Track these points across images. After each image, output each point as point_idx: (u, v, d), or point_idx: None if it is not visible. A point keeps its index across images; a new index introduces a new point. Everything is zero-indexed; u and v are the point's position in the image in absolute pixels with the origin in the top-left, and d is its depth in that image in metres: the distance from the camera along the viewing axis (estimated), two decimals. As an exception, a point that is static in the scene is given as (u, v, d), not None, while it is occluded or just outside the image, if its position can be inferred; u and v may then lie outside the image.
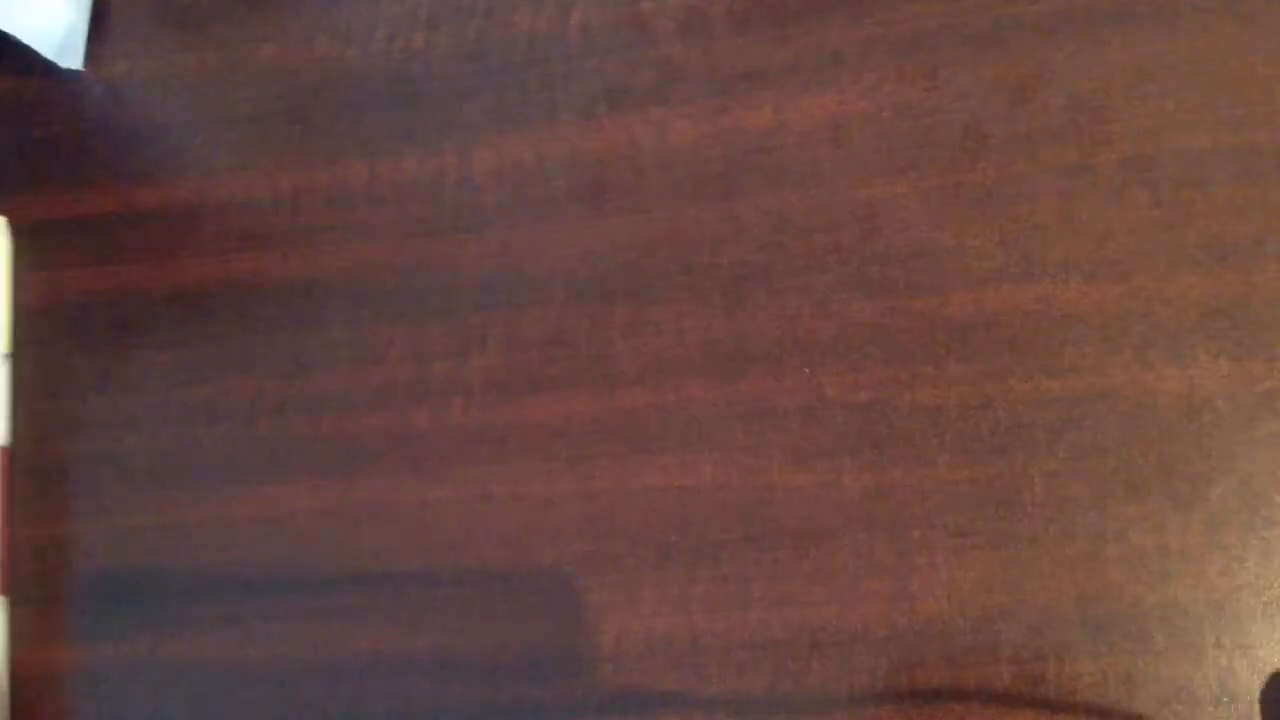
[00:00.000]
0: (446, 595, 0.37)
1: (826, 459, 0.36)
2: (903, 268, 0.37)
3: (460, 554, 0.37)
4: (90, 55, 0.44)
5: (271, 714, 0.37)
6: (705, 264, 0.38)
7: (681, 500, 0.36)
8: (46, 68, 0.43)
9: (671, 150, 0.39)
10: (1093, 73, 0.38)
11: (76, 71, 0.44)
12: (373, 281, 0.40)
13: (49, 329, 0.41)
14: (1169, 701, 0.33)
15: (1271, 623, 0.33)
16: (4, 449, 0.40)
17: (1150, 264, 0.36)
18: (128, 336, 0.41)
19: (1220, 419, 0.35)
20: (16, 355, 0.41)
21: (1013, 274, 0.36)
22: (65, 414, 0.40)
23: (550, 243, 0.39)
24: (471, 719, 0.32)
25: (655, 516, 0.36)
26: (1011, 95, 0.38)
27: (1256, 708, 0.33)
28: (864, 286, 0.37)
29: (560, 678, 0.36)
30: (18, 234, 0.42)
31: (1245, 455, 0.34)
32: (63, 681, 0.38)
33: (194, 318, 0.41)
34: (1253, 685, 0.33)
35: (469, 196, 0.40)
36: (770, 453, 0.36)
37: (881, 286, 0.37)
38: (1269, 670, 0.33)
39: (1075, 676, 0.33)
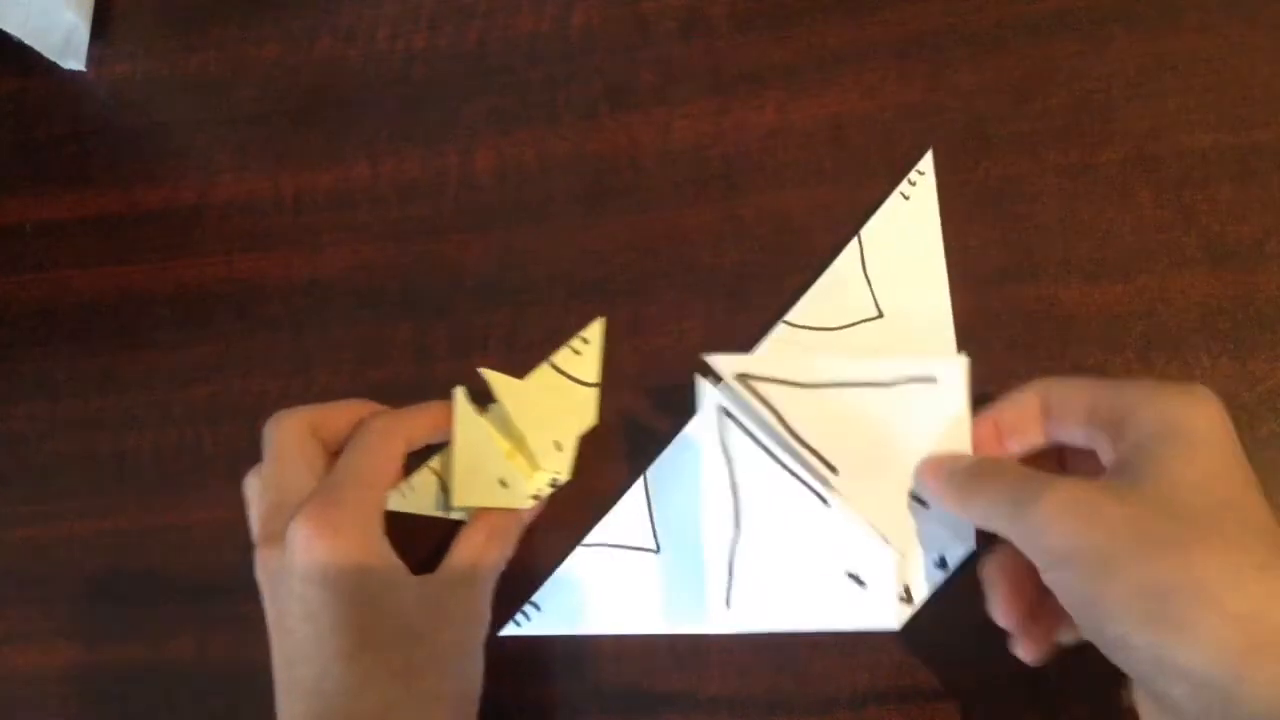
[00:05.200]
0: (447, 595, 0.37)
1: (827, 459, 0.36)
2: (904, 267, 0.37)
3: (461, 554, 0.37)
4: (92, 56, 0.44)
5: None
6: (706, 264, 0.38)
7: (682, 500, 0.36)
8: (49, 68, 0.44)
9: (672, 150, 0.39)
10: (1094, 72, 0.38)
11: (79, 72, 0.44)
12: (374, 281, 0.40)
13: (50, 329, 0.41)
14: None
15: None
16: None
17: (1152, 264, 0.36)
18: (130, 336, 0.41)
19: (1222, 419, 0.34)
20: (16, 357, 0.41)
21: (1014, 274, 0.36)
22: (66, 414, 0.40)
23: (551, 243, 0.39)
24: (472, 719, 0.32)
25: (656, 516, 0.36)
26: (1013, 95, 0.38)
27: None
28: (865, 286, 0.37)
29: (562, 678, 0.36)
30: (20, 234, 0.42)
31: (1245, 455, 0.34)
32: (63, 681, 0.38)
33: (196, 318, 0.41)
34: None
35: (471, 197, 0.40)
36: (771, 453, 0.36)
37: (882, 286, 0.37)
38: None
39: (1075, 676, 0.33)
